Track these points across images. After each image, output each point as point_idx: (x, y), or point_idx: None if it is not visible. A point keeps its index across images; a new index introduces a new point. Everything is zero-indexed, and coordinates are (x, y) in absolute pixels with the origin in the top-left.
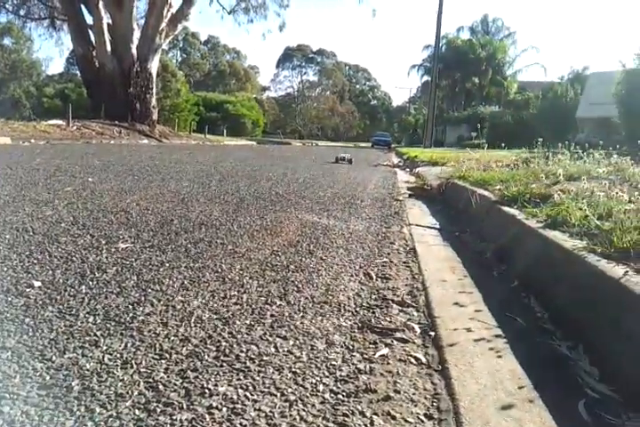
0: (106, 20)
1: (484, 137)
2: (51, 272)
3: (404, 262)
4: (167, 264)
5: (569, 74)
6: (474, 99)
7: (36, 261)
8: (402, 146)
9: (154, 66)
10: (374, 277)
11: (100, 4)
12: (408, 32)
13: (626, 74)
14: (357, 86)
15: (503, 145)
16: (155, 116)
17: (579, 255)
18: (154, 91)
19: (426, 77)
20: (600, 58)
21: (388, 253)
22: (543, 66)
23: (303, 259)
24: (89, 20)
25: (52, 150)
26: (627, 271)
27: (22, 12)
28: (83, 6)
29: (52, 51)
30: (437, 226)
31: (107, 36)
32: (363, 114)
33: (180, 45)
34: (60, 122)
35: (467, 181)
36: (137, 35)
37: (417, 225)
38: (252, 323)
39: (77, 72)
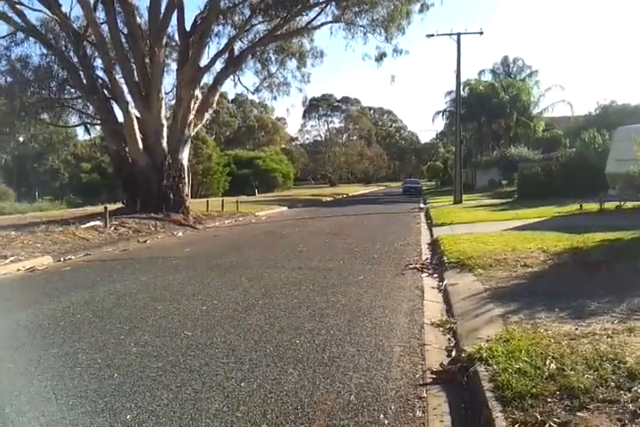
0: (136, 119)
1: (514, 184)
2: None
3: None
4: None
5: (596, 109)
6: (501, 138)
7: None
8: (433, 187)
9: (185, 156)
10: None
11: (130, 107)
12: (431, 77)
13: None
14: (384, 128)
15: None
16: (188, 203)
17: None
18: (186, 180)
19: (450, 121)
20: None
21: None
22: (569, 103)
23: None
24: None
25: (81, 280)
26: None
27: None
28: (114, 103)
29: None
30: None
31: (138, 135)
32: (392, 155)
33: None
34: (97, 222)
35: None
36: (166, 129)
37: None
38: None
39: None
